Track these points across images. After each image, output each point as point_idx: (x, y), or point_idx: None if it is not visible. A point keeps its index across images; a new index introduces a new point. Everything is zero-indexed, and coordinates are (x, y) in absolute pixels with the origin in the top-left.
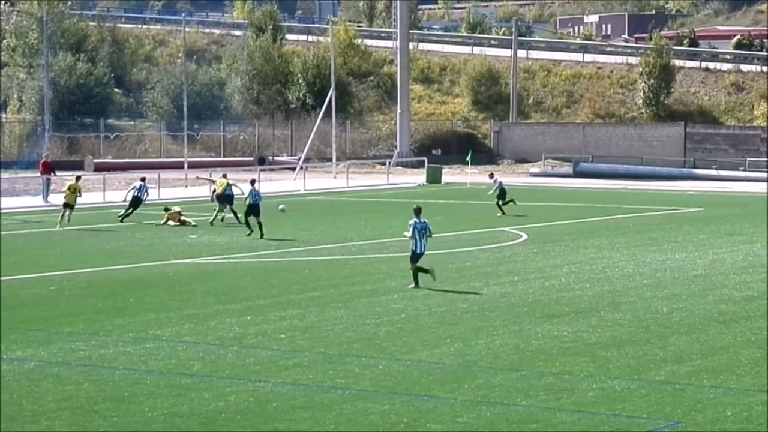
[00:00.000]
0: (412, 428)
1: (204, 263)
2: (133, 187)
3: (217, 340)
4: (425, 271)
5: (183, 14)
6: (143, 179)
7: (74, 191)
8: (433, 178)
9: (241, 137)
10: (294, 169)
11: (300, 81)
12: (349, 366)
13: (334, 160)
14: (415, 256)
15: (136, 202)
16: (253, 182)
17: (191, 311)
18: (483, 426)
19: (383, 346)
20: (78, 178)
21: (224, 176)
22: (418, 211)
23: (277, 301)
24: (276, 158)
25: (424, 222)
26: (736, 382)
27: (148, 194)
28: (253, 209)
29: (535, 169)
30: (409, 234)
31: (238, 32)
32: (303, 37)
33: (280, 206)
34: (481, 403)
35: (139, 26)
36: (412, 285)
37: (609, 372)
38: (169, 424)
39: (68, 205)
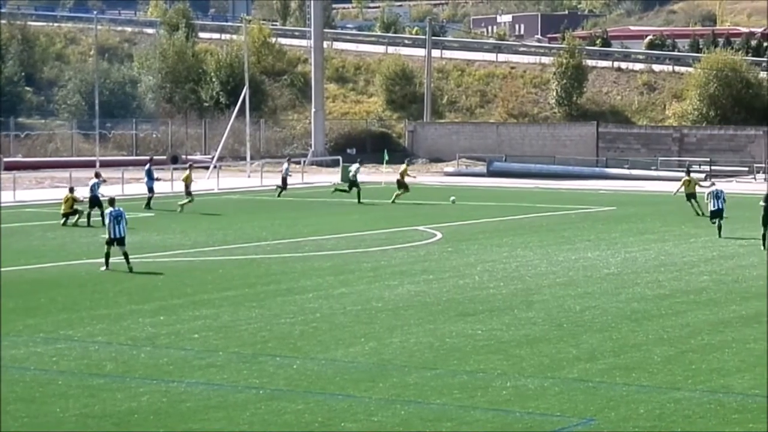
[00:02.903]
0: (327, 427)
1: (116, 263)
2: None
3: (130, 340)
4: None
5: (95, 12)
6: (98, 175)
7: None
8: (347, 177)
9: (154, 136)
10: (207, 168)
11: (213, 79)
12: (263, 365)
13: (248, 158)
14: None
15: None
16: (112, 201)
17: (103, 311)
18: (397, 424)
19: (298, 345)
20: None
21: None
22: None
23: (191, 300)
24: (189, 157)
25: None
26: (649, 379)
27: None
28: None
29: (450, 169)
30: None
31: (150, 30)
32: (216, 36)
33: (451, 198)
34: (395, 401)
35: (50, 24)
36: None
37: (523, 370)
38: (81, 424)
39: None
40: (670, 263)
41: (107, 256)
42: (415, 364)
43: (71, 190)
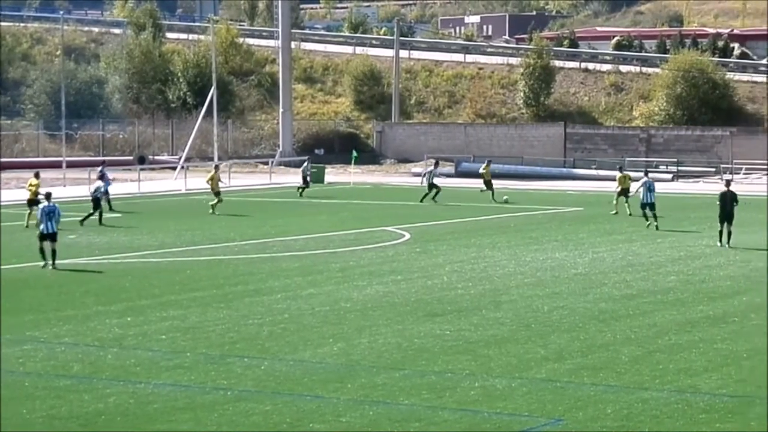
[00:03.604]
0: (295, 428)
1: (83, 264)
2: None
3: (97, 341)
4: None
5: (61, 12)
6: (103, 177)
7: None
8: (317, 177)
9: (121, 136)
10: (175, 168)
11: (181, 80)
12: (231, 366)
13: (215, 159)
14: None
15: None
16: (48, 196)
17: (70, 312)
18: (366, 425)
19: (266, 346)
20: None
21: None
22: None
23: (159, 301)
24: (156, 157)
25: None
26: (616, 379)
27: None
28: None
29: (418, 169)
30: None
31: (117, 30)
32: (184, 36)
33: (504, 197)
34: (363, 402)
35: (17, 24)
36: None
37: (491, 370)
38: (48, 426)
39: None
40: (637, 263)
41: (41, 250)
42: (384, 364)
43: (37, 175)
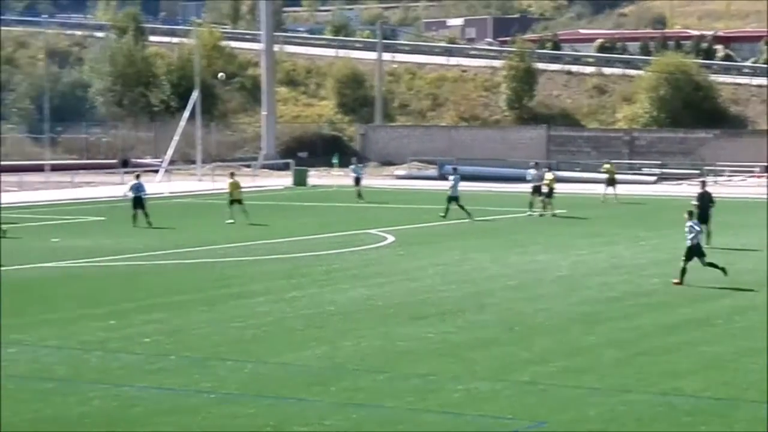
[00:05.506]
0: (279, 430)
1: (67, 267)
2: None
3: (81, 344)
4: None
5: (44, 16)
6: (138, 176)
7: None
8: (300, 180)
9: (104, 140)
10: (158, 171)
11: (164, 83)
12: (215, 369)
13: (199, 162)
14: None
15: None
16: (138, 176)
17: (54, 315)
18: (350, 428)
19: (250, 349)
20: None
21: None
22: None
23: (142, 304)
24: (140, 160)
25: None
26: (600, 382)
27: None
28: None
29: (401, 172)
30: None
31: (101, 33)
32: (167, 39)
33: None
34: (347, 405)
35: None
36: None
37: (475, 373)
38: (32, 429)
39: None
40: (620, 266)
41: None
42: (367, 367)
43: None
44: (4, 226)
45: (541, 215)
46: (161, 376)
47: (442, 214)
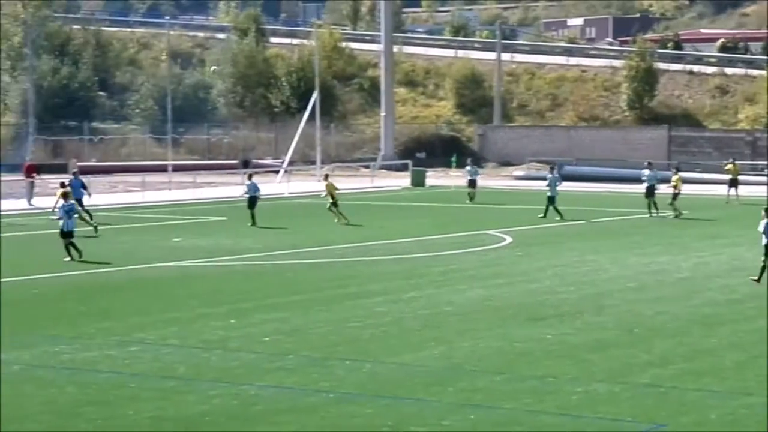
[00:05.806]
0: (397, 430)
1: (188, 266)
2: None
3: (202, 343)
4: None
5: (167, 17)
6: (250, 177)
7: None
8: (418, 181)
9: (225, 140)
10: (278, 172)
11: (284, 84)
12: (333, 369)
13: (318, 162)
14: None
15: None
16: (250, 177)
17: (175, 314)
18: (467, 428)
19: (367, 348)
20: (62, 184)
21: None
22: None
23: (261, 304)
24: (260, 161)
25: None
26: (720, 385)
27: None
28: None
29: (519, 172)
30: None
31: (222, 35)
32: (287, 41)
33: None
34: (465, 405)
35: (124, 29)
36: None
37: (593, 375)
38: (154, 427)
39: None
40: (741, 268)
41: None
42: (485, 368)
43: (62, 185)
44: (96, 228)
45: (652, 215)
46: (280, 375)
47: (541, 215)
